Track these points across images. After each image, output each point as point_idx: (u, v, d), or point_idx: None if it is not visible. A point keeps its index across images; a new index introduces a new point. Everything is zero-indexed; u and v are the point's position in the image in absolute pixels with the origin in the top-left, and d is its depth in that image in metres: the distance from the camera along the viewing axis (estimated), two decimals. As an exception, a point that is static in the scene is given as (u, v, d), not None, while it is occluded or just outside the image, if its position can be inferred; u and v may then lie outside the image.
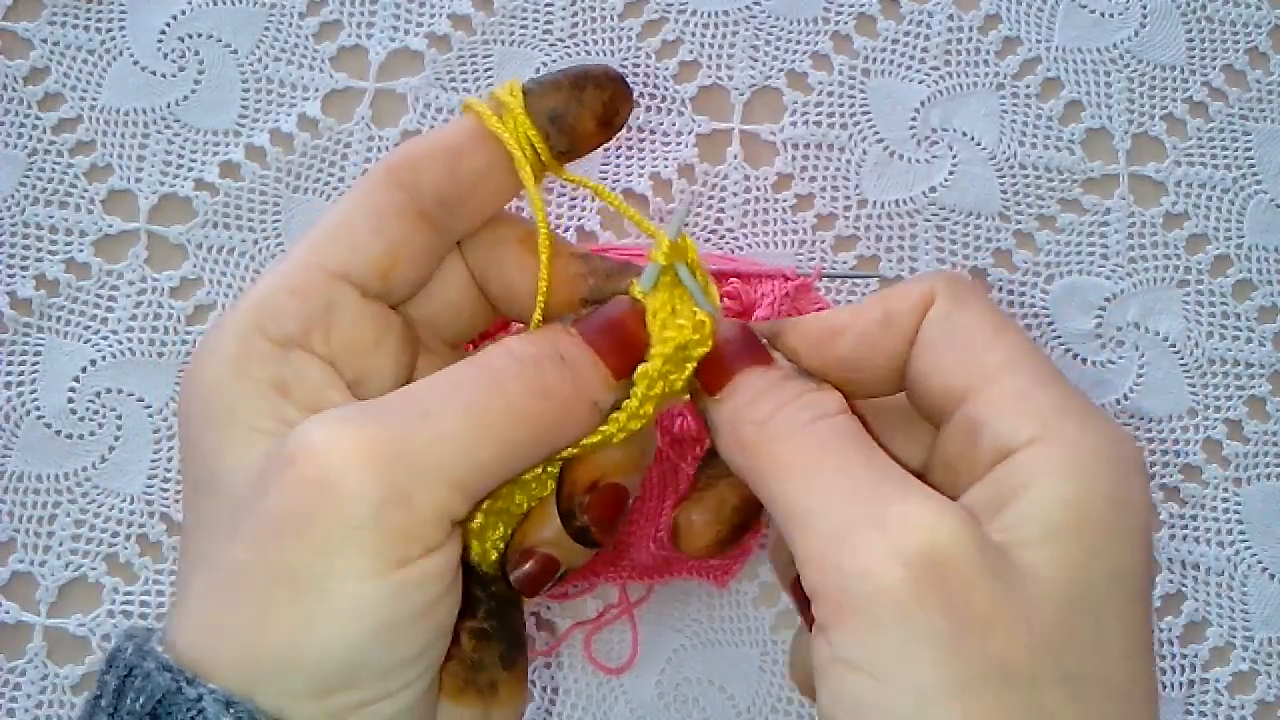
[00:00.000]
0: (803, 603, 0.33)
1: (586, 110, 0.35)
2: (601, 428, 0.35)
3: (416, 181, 0.34)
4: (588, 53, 0.60)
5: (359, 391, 0.34)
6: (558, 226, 0.58)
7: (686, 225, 0.43)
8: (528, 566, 0.35)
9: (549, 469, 0.36)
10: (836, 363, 0.35)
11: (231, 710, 0.28)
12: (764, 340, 0.36)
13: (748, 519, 0.36)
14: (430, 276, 0.36)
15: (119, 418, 0.56)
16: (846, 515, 0.29)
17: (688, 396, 0.36)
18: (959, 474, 0.32)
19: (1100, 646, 0.29)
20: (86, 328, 0.57)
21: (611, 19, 0.60)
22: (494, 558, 0.36)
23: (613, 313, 0.35)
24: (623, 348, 0.34)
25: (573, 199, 0.58)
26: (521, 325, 0.37)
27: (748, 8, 0.60)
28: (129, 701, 0.29)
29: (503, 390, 0.32)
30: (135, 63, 0.59)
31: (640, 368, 0.34)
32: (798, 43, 0.60)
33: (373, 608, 0.29)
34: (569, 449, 0.35)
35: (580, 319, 0.35)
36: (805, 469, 0.31)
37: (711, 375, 0.35)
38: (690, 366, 0.35)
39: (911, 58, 0.60)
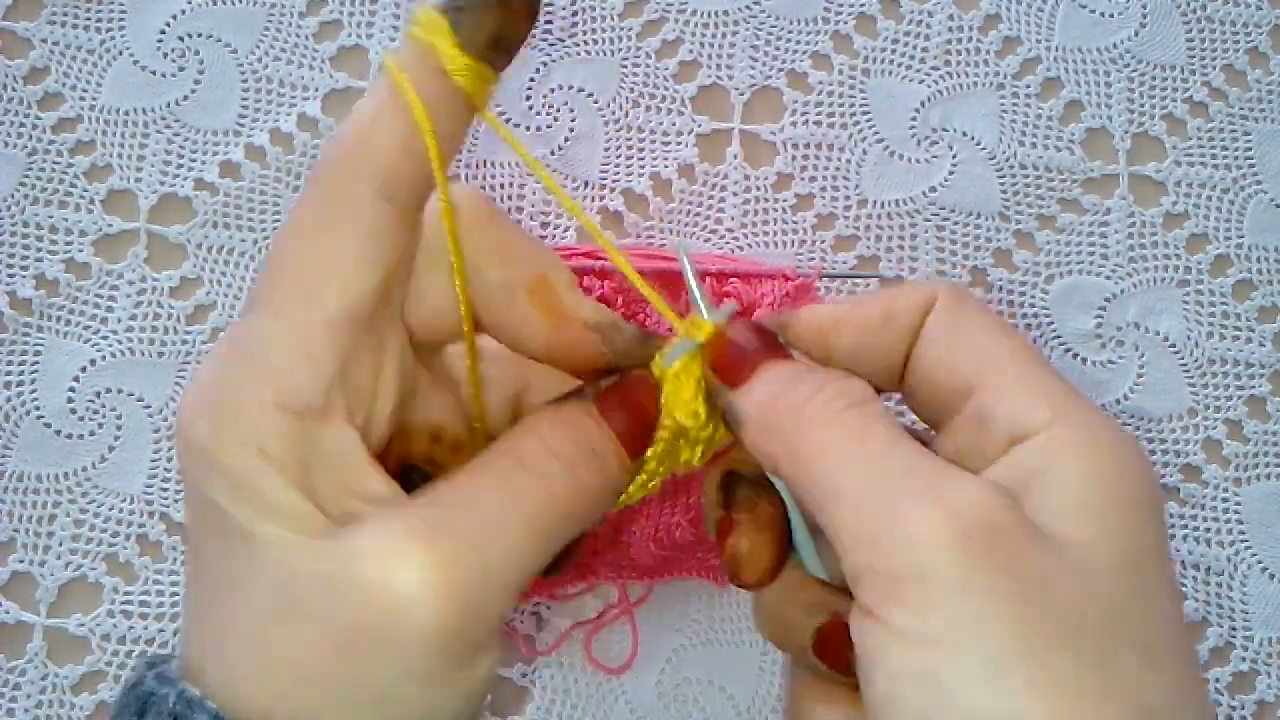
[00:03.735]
0: (827, 653, 0.33)
1: (516, 14, 0.31)
2: None
3: (398, 188, 0.31)
4: (588, 52, 0.59)
5: (365, 431, 0.33)
6: (558, 225, 0.58)
7: (686, 226, 0.42)
8: None
9: None
10: (836, 355, 0.35)
11: None
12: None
13: (787, 531, 0.36)
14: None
15: (119, 418, 0.56)
16: (896, 491, 0.29)
17: (698, 464, 0.36)
18: (971, 464, 0.32)
19: (1157, 615, 0.28)
20: (86, 327, 0.57)
21: (611, 19, 0.60)
22: None
23: (635, 396, 0.35)
24: (644, 432, 0.34)
25: (571, 198, 0.58)
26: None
27: (748, 8, 0.60)
28: None
29: (554, 498, 0.32)
30: (135, 62, 0.59)
31: (649, 451, 0.34)
32: (798, 43, 0.60)
33: (446, 713, 0.30)
34: None
35: (601, 397, 0.34)
36: (849, 451, 0.31)
37: (733, 371, 0.34)
38: (699, 449, 0.35)
39: (911, 58, 0.60)
